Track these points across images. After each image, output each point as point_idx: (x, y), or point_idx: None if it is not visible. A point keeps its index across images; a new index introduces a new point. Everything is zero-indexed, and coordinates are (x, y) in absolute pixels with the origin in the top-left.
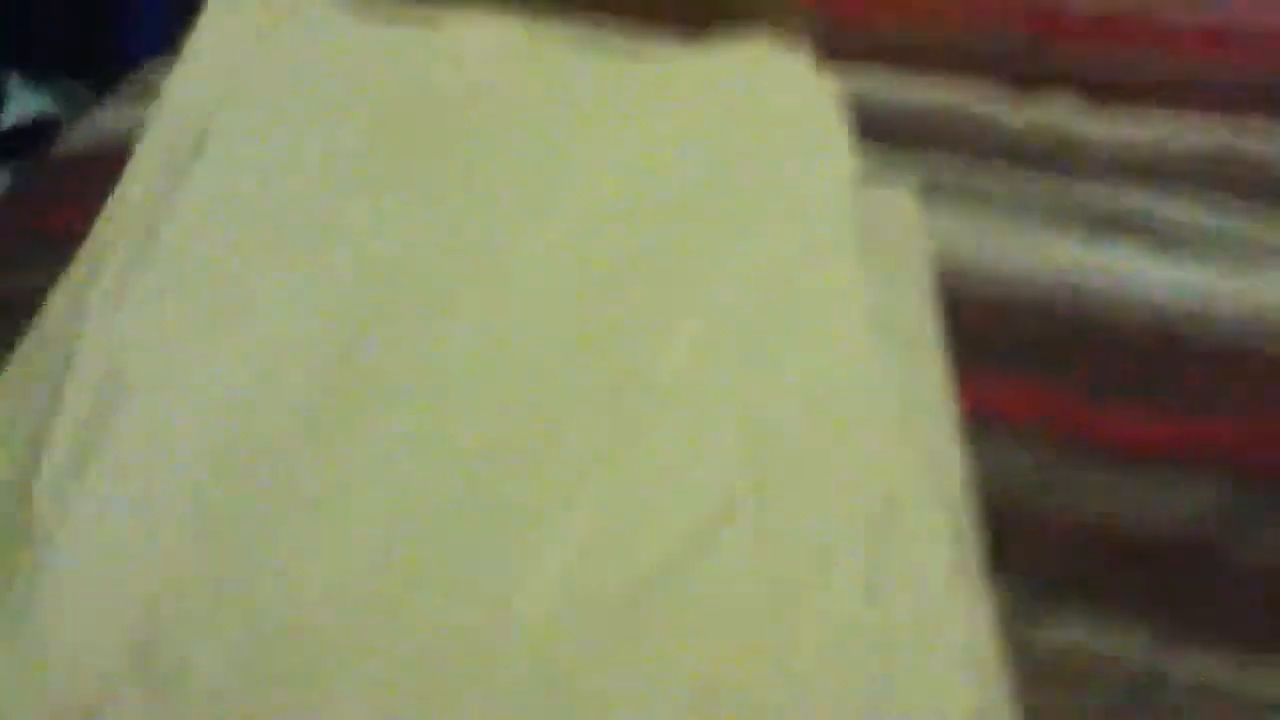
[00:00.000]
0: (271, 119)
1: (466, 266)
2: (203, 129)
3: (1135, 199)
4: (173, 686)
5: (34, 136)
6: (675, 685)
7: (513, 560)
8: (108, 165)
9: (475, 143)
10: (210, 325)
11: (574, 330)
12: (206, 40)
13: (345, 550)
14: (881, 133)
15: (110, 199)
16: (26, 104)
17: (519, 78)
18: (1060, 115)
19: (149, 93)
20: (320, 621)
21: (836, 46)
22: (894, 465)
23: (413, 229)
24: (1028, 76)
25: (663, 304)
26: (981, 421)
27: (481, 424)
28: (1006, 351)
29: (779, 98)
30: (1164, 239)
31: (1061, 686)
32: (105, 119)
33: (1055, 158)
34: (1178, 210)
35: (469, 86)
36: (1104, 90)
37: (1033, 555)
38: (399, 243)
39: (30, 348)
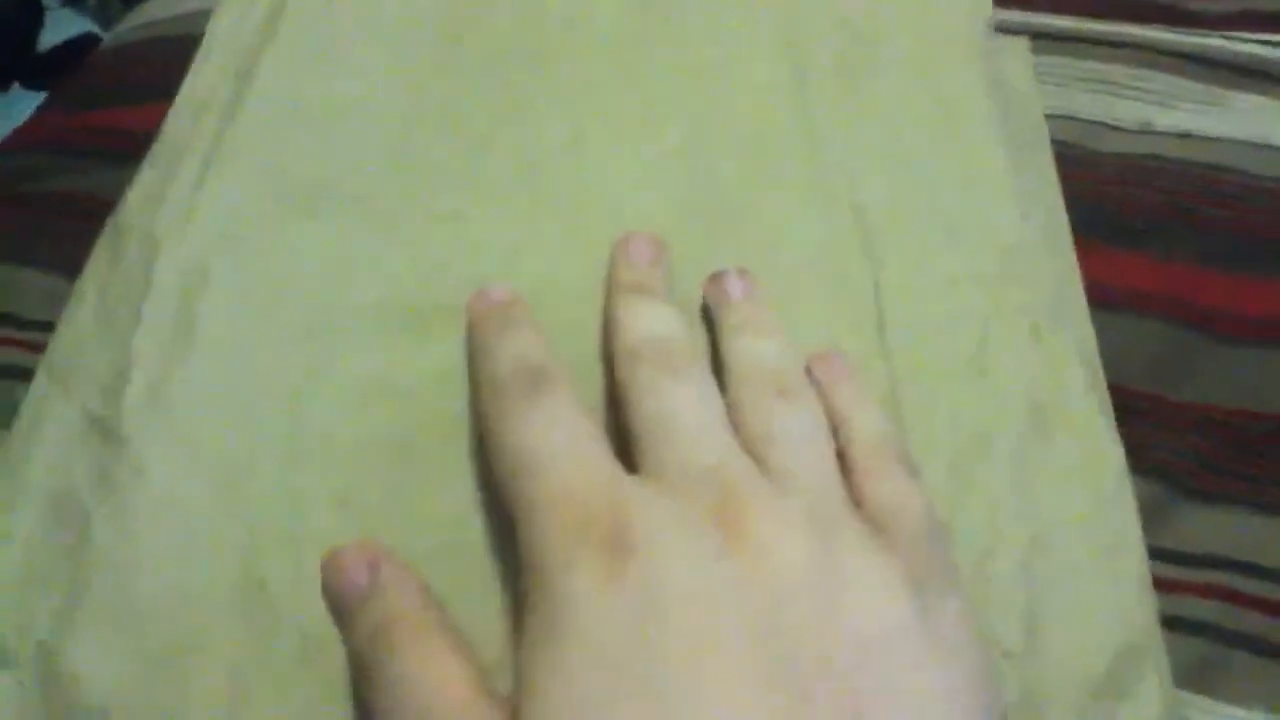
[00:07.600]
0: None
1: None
2: (275, 10)
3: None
4: (272, 626)
5: (78, 56)
6: None
7: None
8: (155, 59)
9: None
10: (291, 217)
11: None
12: None
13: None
14: None
15: (178, 95)
16: (66, 26)
17: None
18: None
19: None
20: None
21: None
22: (1047, 359)
23: (512, 117)
24: None
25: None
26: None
27: None
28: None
29: None
30: None
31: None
32: (143, 15)
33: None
34: None
35: None
36: None
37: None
38: (497, 123)
39: (104, 258)
